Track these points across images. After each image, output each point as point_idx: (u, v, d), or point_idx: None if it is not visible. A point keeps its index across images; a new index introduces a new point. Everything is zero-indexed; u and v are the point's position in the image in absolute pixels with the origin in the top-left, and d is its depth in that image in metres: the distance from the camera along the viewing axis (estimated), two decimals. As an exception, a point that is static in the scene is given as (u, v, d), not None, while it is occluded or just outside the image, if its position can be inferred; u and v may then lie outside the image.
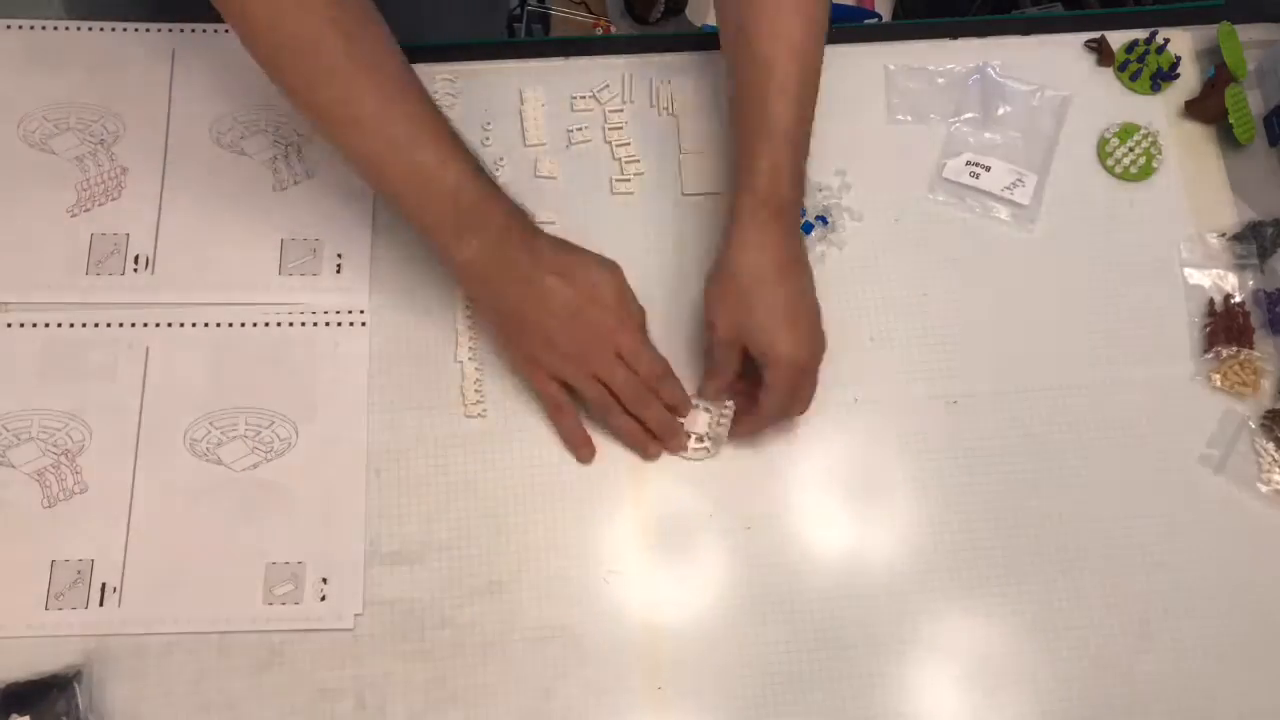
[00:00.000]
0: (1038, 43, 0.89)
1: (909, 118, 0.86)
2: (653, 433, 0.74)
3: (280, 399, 0.75)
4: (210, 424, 0.74)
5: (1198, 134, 0.86)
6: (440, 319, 0.78)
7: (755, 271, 0.71)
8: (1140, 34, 0.88)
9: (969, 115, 0.85)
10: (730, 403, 0.75)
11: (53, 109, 0.81)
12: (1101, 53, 0.88)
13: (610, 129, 0.84)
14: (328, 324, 0.77)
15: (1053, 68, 0.87)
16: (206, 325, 0.77)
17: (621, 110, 0.85)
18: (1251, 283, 0.81)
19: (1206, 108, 0.85)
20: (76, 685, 0.67)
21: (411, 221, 0.69)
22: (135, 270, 0.78)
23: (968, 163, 0.84)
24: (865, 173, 0.84)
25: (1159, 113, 0.86)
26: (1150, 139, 0.85)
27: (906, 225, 0.83)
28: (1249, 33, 0.87)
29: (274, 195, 0.80)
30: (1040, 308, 0.81)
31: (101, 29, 0.84)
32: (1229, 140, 0.85)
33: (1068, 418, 0.78)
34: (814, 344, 0.72)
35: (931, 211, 0.83)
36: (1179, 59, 0.87)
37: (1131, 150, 0.85)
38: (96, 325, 0.76)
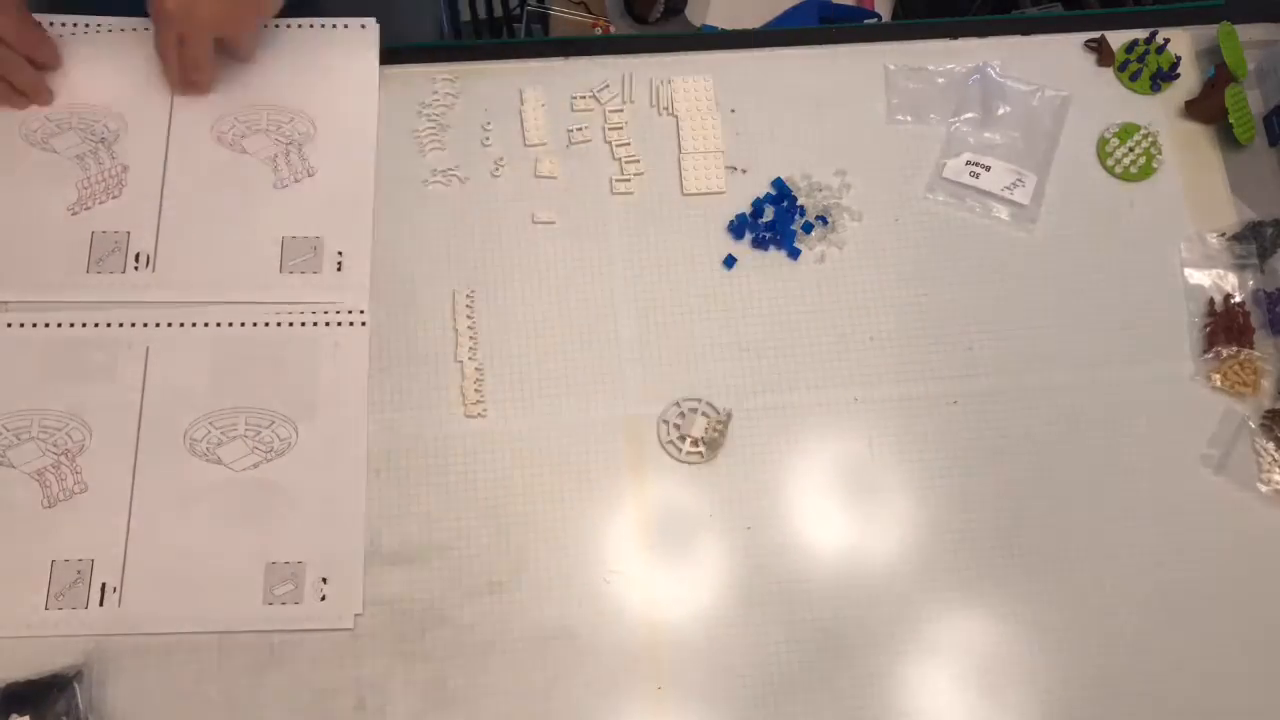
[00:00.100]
0: (1038, 43, 0.89)
1: (909, 118, 0.86)
2: (20, 90, 0.80)
3: (280, 399, 0.75)
4: (210, 424, 0.74)
5: (1198, 134, 0.86)
6: (440, 319, 0.78)
7: None
8: (1140, 34, 0.88)
9: (969, 115, 0.86)
10: (728, 409, 0.75)
11: (54, 108, 0.81)
12: (1101, 53, 0.88)
13: (610, 129, 0.84)
14: (328, 324, 0.77)
15: (1053, 68, 0.88)
16: (207, 325, 0.77)
17: (621, 110, 0.85)
18: (1251, 283, 0.81)
19: (1206, 108, 0.85)
20: (76, 685, 0.67)
21: None
22: (136, 269, 0.78)
23: (968, 163, 0.84)
24: (865, 173, 0.84)
25: (1159, 113, 0.87)
26: (1150, 139, 0.85)
27: (906, 225, 0.83)
28: (1249, 33, 0.87)
29: (275, 193, 0.80)
30: (1040, 308, 0.81)
31: (101, 27, 0.84)
32: (1229, 140, 0.85)
33: (1068, 418, 0.78)
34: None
35: (931, 211, 0.83)
36: (1179, 59, 0.87)
37: (1131, 150, 0.85)
38: (97, 325, 0.76)
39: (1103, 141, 0.85)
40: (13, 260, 0.77)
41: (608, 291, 0.80)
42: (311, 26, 0.84)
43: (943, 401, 0.78)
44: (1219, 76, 0.85)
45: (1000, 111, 0.86)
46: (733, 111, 0.85)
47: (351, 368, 0.76)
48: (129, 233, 0.78)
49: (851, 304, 0.80)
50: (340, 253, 0.79)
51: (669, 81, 0.86)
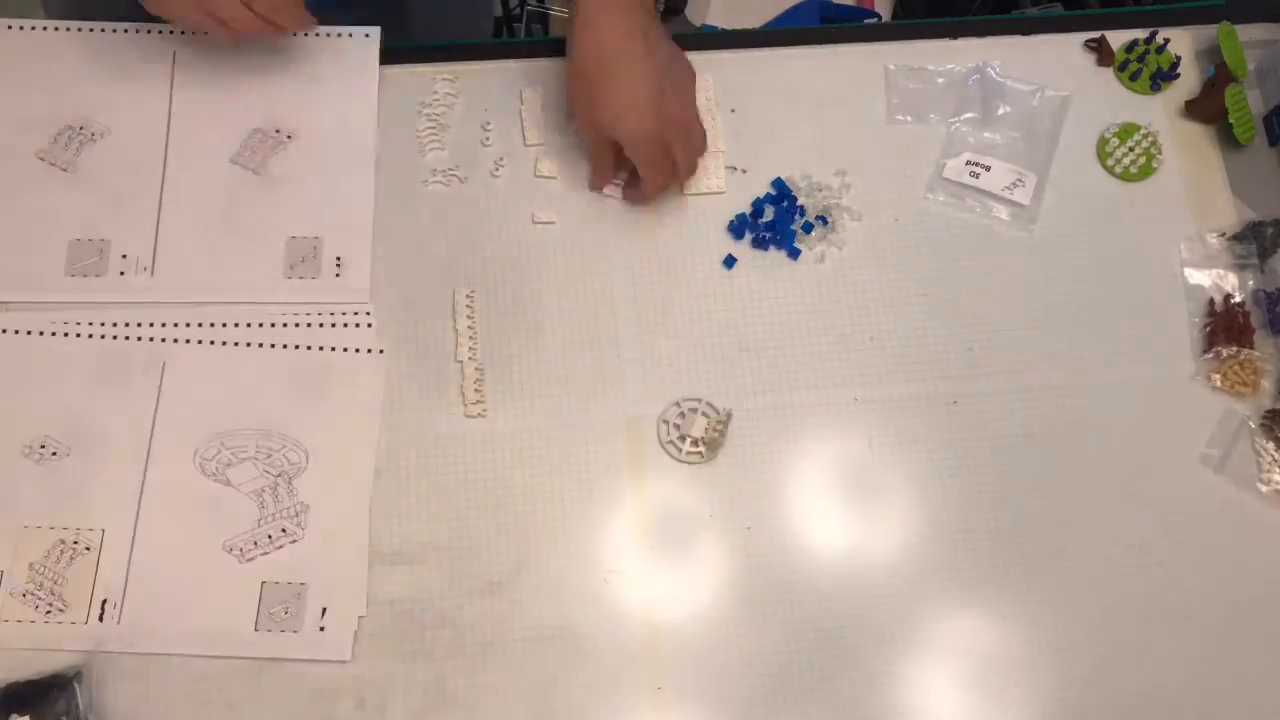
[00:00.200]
0: (1038, 43, 0.89)
1: (909, 118, 0.86)
2: (269, 19, 0.73)
3: (292, 423, 0.75)
4: (222, 444, 0.74)
5: (1198, 134, 0.86)
6: (440, 319, 0.78)
7: (596, 54, 0.72)
8: (1140, 34, 0.88)
9: (969, 115, 0.85)
10: (728, 409, 0.75)
11: (56, 110, 0.81)
12: (1101, 53, 0.88)
13: (610, 129, 0.84)
14: (333, 325, 0.77)
15: (1053, 68, 0.87)
16: (213, 343, 0.76)
17: (621, 110, 0.85)
18: (1251, 283, 0.81)
19: (1206, 108, 0.85)
20: (76, 685, 0.67)
21: None
22: (124, 273, 0.77)
23: (968, 163, 0.84)
24: (865, 173, 0.84)
25: (1159, 113, 0.86)
26: (1150, 139, 0.85)
27: (906, 225, 0.83)
28: (1249, 33, 0.87)
29: (274, 194, 0.80)
30: (1040, 308, 0.81)
31: (103, 29, 0.84)
32: (1229, 140, 0.85)
33: (1068, 418, 0.78)
34: (658, 114, 0.73)
35: (931, 211, 0.83)
36: (1179, 59, 0.87)
37: (1131, 150, 0.85)
38: (91, 336, 0.76)
39: (1103, 141, 0.85)
40: (13, 261, 0.77)
41: (608, 291, 0.80)
42: (315, 35, 0.84)
43: (943, 401, 0.78)
44: (1219, 76, 0.85)
45: (1000, 111, 0.86)
46: (733, 111, 0.85)
47: (367, 404, 0.76)
48: (126, 239, 0.78)
49: (851, 304, 0.80)
50: (339, 259, 0.79)
51: (669, 81, 0.86)
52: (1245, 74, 0.84)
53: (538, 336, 0.78)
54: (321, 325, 0.77)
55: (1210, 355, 0.79)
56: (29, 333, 0.76)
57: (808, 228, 0.82)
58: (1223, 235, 0.82)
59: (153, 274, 0.78)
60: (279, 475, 0.73)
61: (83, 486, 0.72)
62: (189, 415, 0.75)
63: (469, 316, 0.78)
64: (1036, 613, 0.73)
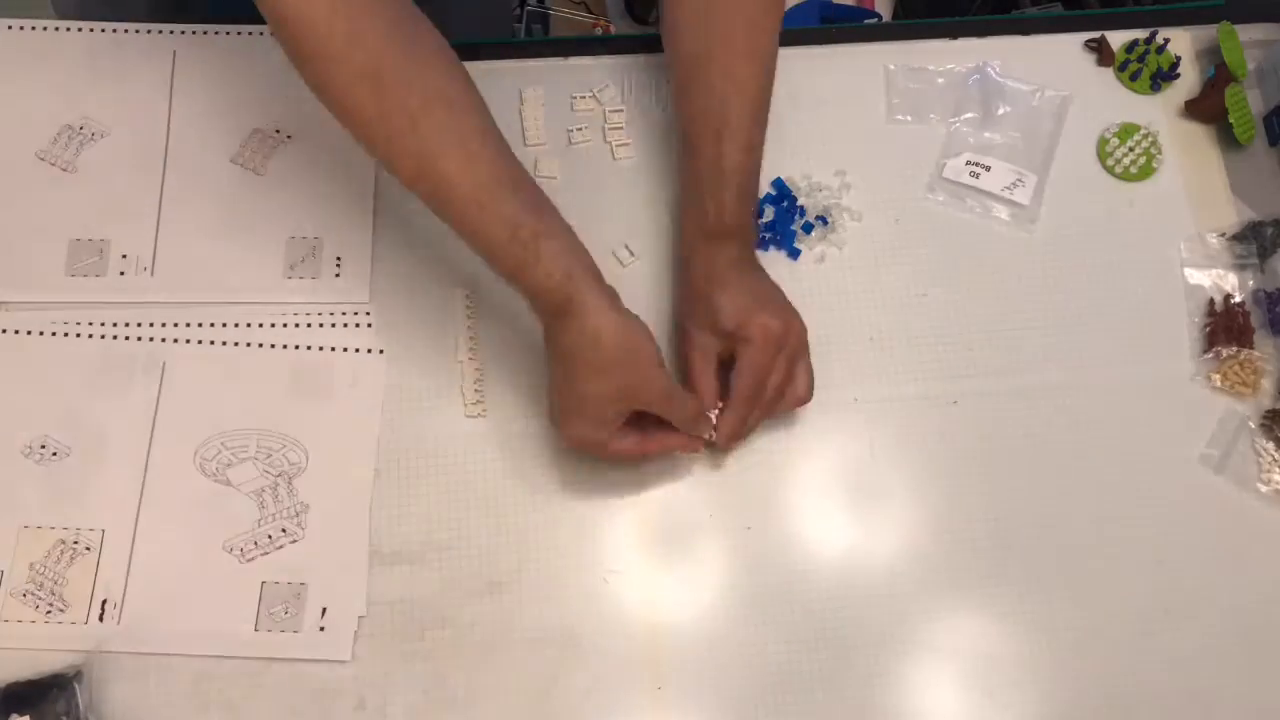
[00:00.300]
0: (1038, 43, 0.89)
1: (909, 118, 0.86)
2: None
3: (292, 423, 0.75)
4: (222, 444, 0.74)
5: (1198, 134, 0.86)
6: (440, 319, 0.78)
7: (712, 274, 0.71)
8: (1140, 34, 0.88)
9: (969, 115, 0.85)
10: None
11: (55, 110, 0.81)
12: (1101, 53, 0.88)
13: (610, 129, 0.84)
14: (333, 325, 0.77)
15: (1053, 68, 0.87)
16: (214, 343, 0.76)
17: (621, 110, 0.85)
18: (1251, 283, 0.81)
19: (1206, 108, 0.85)
20: (76, 685, 0.67)
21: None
22: (124, 273, 0.77)
23: (968, 163, 0.84)
24: (865, 173, 0.84)
25: (1159, 113, 0.86)
26: (1150, 139, 0.85)
27: (906, 225, 0.83)
28: (1249, 33, 0.87)
29: (274, 195, 0.80)
30: (1040, 308, 0.81)
31: (103, 30, 0.84)
32: (1229, 140, 0.85)
33: (1068, 418, 0.78)
34: (787, 317, 0.70)
35: (931, 211, 0.83)
36: (1179, 59, 0.87)
37: (1131, 150, 0.85)
38: (91, 336, 0.76)
39: (1103, 141, 0.85)
40: (13, 262, 0.77)
41: (608, 292, 0.79)
42: None
43: (943, 401, 0.78)
44: (1219, 76, 0.85)
45: (1000, 111, 0.86)
46: (733, 111, 0.85)
47: (367, 404, 0.76)
48: (126, 239, 0.78)
49: (851, 304, 0.80)
50: (339, 259, 0.79)
51: (669, 81, 0.85)
52: (1245, 74, 0.84)
53: (538, 336, 0.78)
54: (321, 325, 0.77)
55: (1210, 355, 0.79)
56: (29, 333, 0.76)
57: (808, 228, 0.82)
58: (1223, 235, 0.82)
59: (153, 274, 0.78)
60: (279, 475, 0.73)
61: (83, 486, 0.72)
62: (189, 415, 0.75)
63: (469, 316, 0.78)
64: (1036, 612, 0.73)
